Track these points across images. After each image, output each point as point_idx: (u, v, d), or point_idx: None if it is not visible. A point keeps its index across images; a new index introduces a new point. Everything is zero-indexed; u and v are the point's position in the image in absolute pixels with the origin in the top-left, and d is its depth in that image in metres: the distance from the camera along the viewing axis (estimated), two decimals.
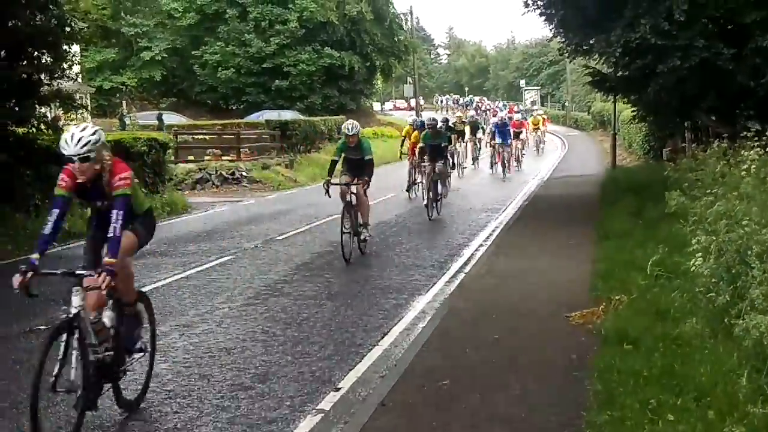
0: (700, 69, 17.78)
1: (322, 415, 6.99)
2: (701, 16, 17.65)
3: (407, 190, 24.42)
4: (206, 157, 33.62)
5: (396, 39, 72.60)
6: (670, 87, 18.57)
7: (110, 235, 6.34)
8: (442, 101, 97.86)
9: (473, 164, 35.37)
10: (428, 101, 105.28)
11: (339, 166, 15.04)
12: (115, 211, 6.39)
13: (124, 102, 53.33)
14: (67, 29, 19.95)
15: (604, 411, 6.25)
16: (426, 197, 20.01)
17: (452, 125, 29.30)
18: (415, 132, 24.25)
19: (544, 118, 53.16)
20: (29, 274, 6.10)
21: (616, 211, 17.37)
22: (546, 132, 51.86)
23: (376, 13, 68.41)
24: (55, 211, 6.37)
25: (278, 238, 16.98)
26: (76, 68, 23.70)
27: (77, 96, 23.16)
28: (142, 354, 7.28)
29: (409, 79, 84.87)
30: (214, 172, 31.09)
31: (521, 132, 38.15)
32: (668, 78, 18.03)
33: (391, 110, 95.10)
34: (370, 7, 67.23)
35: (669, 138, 26.85)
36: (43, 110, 20.54)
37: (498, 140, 31.82)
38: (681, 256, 10.24)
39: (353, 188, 14.41)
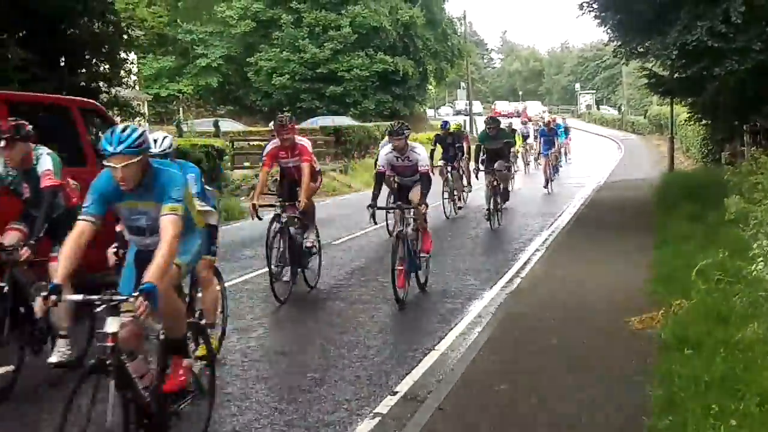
0: (758, 72, 17.55)
1: (380, 418, 7.01)
2: (759, 18, 17.41)
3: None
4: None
5: (449, 43, 72.55)
6: (728, 89, 18.36)
7: None
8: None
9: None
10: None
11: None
12: None
13: (180, 109, 53.92)
14: (124, 37, 20.26)
15: (666, 416, 6.17)
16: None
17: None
18: None
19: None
20: None
21: (674, 215, 17.12)
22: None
23: (429, 17, 68.48)
24: None
25: (334, 243, 17.00)
26: (134, 76, 24.01)
27: (135, 103, 23.45)
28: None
29: (462, 84, 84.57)
30: (270, 178, 31.18)
31: None
32: (725, 81, 17.83)
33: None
34: (423, 12, 67.31)
35: (727, 141, 26.51)
36: None
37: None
38: (742, 260, 10.11)
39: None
